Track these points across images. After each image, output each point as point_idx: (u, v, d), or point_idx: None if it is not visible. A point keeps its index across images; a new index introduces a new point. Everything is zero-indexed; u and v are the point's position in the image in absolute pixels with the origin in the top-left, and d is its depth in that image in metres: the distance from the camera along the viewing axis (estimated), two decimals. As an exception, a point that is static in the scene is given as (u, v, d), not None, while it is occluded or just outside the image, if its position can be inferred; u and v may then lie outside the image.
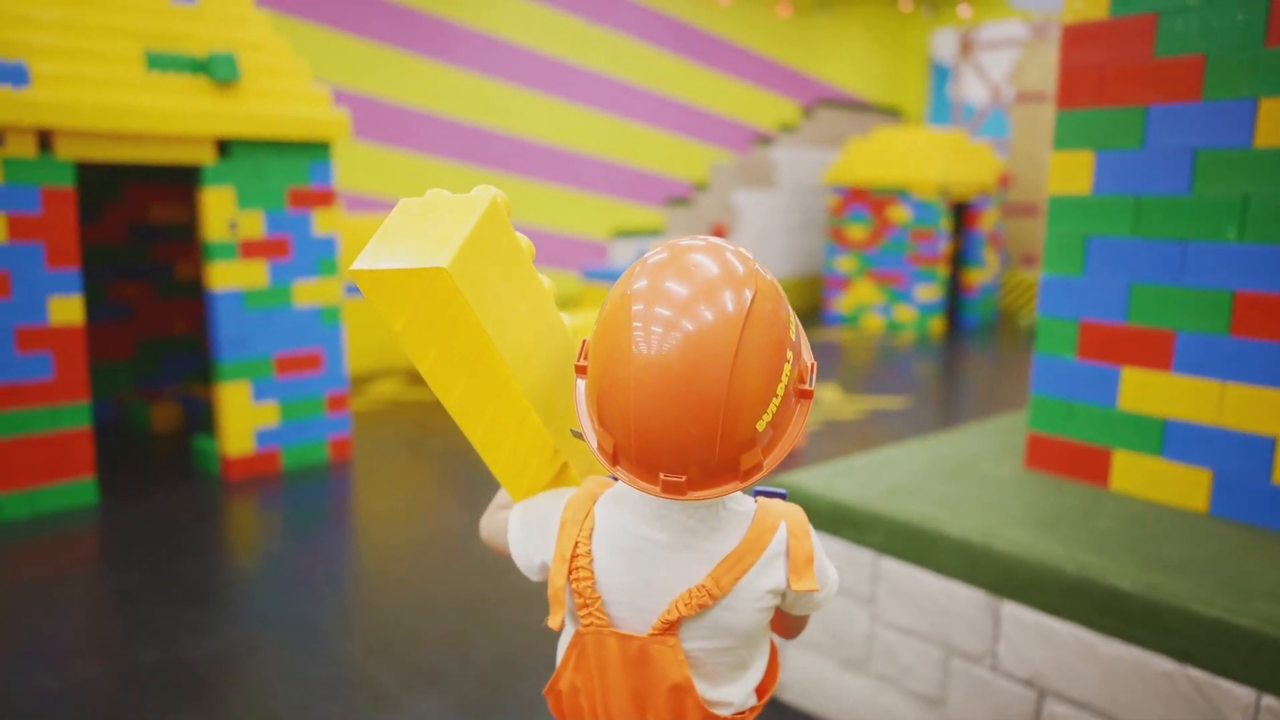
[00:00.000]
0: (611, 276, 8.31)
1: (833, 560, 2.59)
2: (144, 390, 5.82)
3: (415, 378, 7.17)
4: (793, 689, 2.71)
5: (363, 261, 1.02)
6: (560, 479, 1.33)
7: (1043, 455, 2.87)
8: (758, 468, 1.00)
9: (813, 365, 1.07)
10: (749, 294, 0.98)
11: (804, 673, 2.68)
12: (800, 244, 11.23)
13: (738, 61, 10.63)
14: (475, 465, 5.04)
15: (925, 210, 9.76)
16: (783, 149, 11.15)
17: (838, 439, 5.65)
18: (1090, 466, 2.76)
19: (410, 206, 1.08)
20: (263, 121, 4.45)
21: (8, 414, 3.92)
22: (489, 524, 1.33)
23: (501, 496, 1.35)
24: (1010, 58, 12.05)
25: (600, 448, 1.03)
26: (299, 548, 3.89)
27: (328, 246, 4.87)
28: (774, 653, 1.23)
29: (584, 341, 1.10)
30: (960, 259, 10.64)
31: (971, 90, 12.75)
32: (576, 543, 1.12)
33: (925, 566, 2.37)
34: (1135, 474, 2.66)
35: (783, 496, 1.18)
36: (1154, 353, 2.60)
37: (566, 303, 9.22)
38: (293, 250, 4.72)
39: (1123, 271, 2.64)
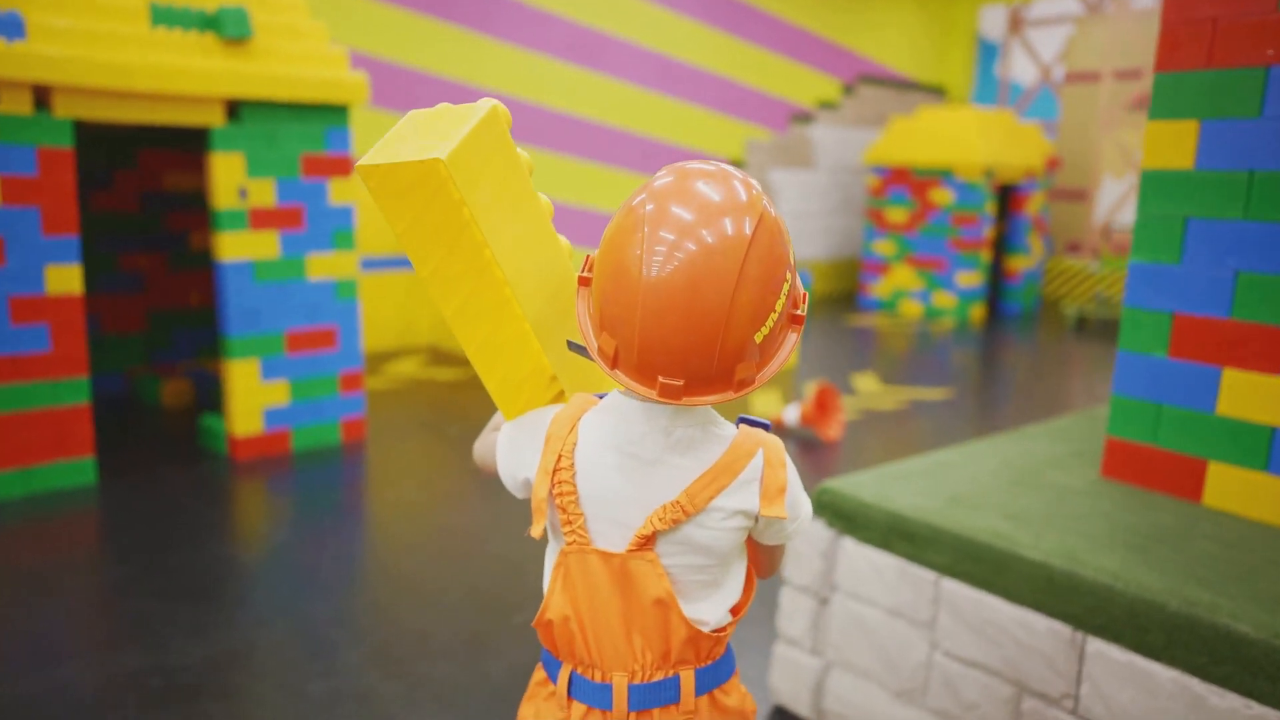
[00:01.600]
0: (641, 256, 8.02)
1: (884, 578, 2.30)
2: (155, 365, 5.62)
3: (436, 356, 6.94)
4: (837, 718, 2.43)
5: (366, 158, 1.07)
6: (558, 399, 1.33)
7: (1123, 464, 2.56)
8: (750, 381, 1.06)
9: (805, 295, 1.12)
10: (755, 218, 1.03)
11: (851, 701, 2.40)
12: (838, 226, 10.86)
13: (777, 35, 10.24)
14: (495, 451, 4.79)
15: (969, 193, 9.36)
16: (822, 127, 10.76)
17: (878, 432, 5.34)
18: (1180, 479, 2.44)
19: (417, 115, 1.11)
20: (275, 82, 4.18)
21: (2, 388, 3.70)
22: (481, 445, 1.36)
23: (496, 418, 1.37)
24: (1062, 35, 11.55)
25: (600, 351, 1.08)
26: (304, 538, 3.65)
27: (344, 217, 4.61)
28: (750, 576, 1.27)
29: (588, 256, 1.13)
30: (1003, 244, 10.22)
31: (1019, 69, 12.26)
32: (560, 455, 1.15)
33: (996, 592, 2.07)
34: (1234, 489, 2.34)
35: (766, 428, 1.19)
36: (1262, 352, 2.27)
37: (594, 282, 8.93)
38: (306, 221, 4.47)
39: (1229, 259, 2.31)
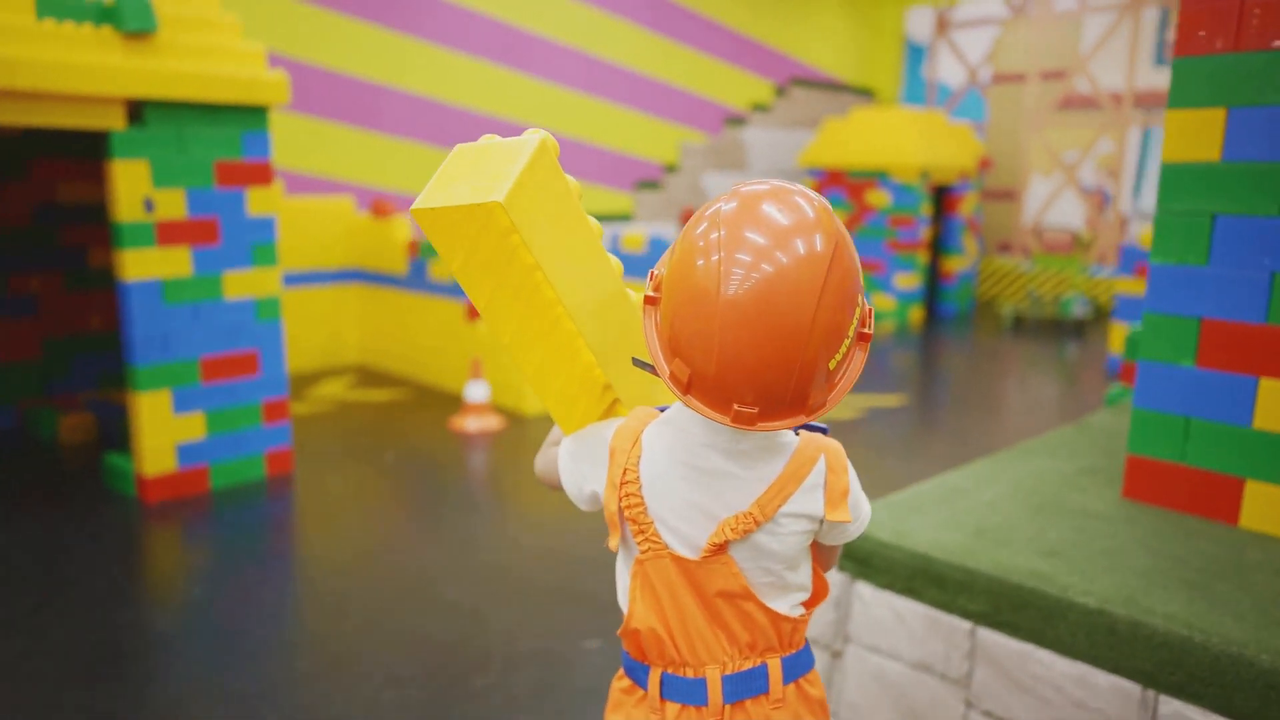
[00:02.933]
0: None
1: (909, 628, 2.04)
2: (52, 397, 5.08)
3: (366, 376, 6.50)
4: (854, 783, 2.16)
5: (422, 201, 1.08)
6: (609, 415, 1.35)
7: (1148, 484, 2.35)
8: (822, 404, 1.05)
9: (870, 310, 1.08)
10: (833, 237, 1.00)
11: (870, 765, 2.13)
12: (773, 230, 10.70)
13: (709, 36, 10.04)
14: (439, 479, 4.41)
15: (905, 194, 9.29)
16: (755, 129, 10.60)
17: (846, 443, 5.10)
18: (1214, 499, 2.24)
19: (465, 151, 1.11)
20: (183, 80, 3.75)
21: None
22: (543, 460, 1.35)
23: (555, 433, 1.36)
24: (988, 37, 11.64)
25: (673, 377, 1.06)
26: (227, 595, 3.24)
27: (264, 230, 4.19)
28: (818, 571, 1.26)
29: (652, 273, 1.11)
30: (939, 246, 10.20)
31: (947, 71, 12.33)
32: (625, 469, 1.16)
33: (1046, 644, 1.82)
34: (1276, 510, 2.14)
35: (824, 431, 1.20)
36: (1303, 360, 2.08)
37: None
38: (222, 235, 4.04)
39: (1264, 259, 2.12)
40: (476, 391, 5.30)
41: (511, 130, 8.33)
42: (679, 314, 1.03)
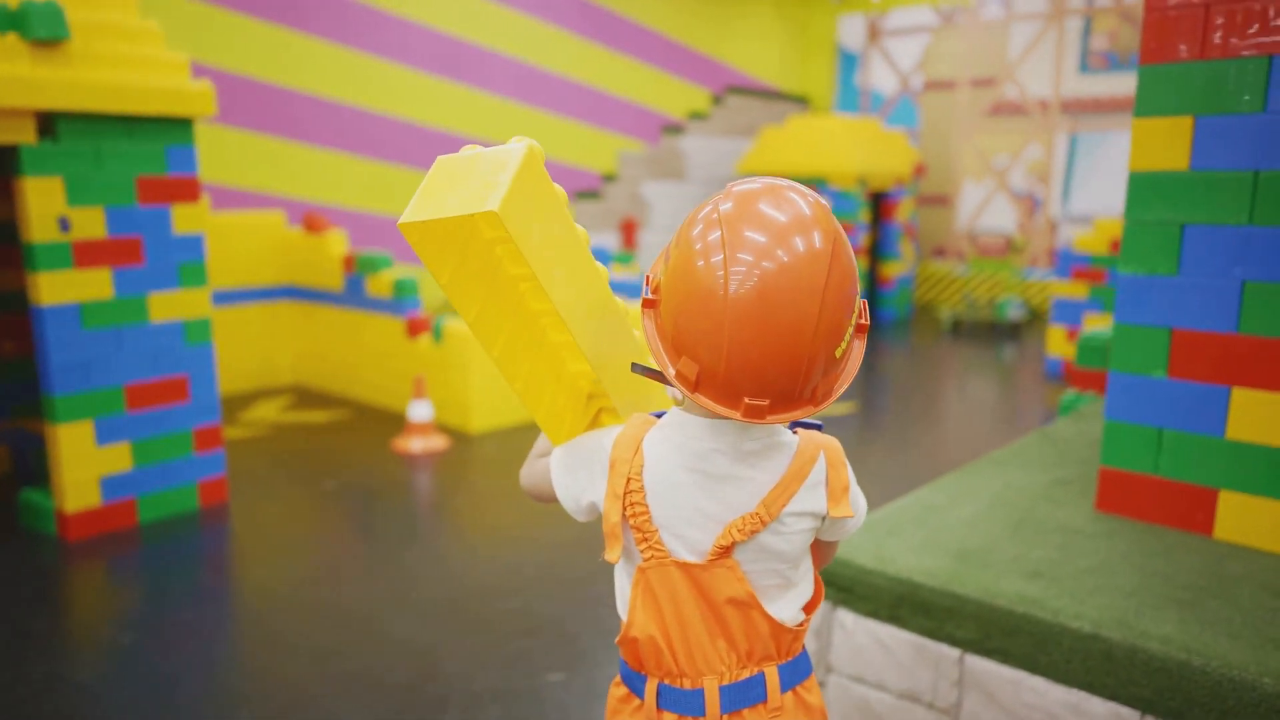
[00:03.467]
0: (522, 277, 7.55)
1: (895, 657, 1.96)
2: (-39, 427, 4.75)
3: (302, 396, 6.26)
4: (838, 820, 2.08)
5: (410, 214, 1.05)
6: (594, 425, 1.34)
7: (1121, 496, 2.32)
8: (828, 393, 1.06)
9: (864, 302, 1.09)
10: (831, 231, 1.02)
11: (855, 800, 2.05)
12: (713, 238, 10.67)
13: (645, 45, 9.98)
14: (383, 505, 4.23)
15: (844, 201, 9.34)
16: (693, 138, 10.57)
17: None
18: (1188, 511, 2.22)
19: (447, 163, 1.10)
20: (99, 92, 3.52)
21: None
22: (530, 472, 1.34)
23: (540, 444, 1.36)
24: (919, 45, 11.81)
25: (680, 375, 1.06)
26: (158, 640, 3.02)
27: (191, 249, 3.97)
28: (816, 575, 1.27)
29: (648, 277, 1.13)
30: (876, 251, 10.29)
31: (879, 78, 12.48)
32: (628, 479, 1.15)
33: (1039, 671, 1.76)
34: (1251, 520, 2.12)
35: (819, 428, 1.21)
36: (1275, 369, 2.07)
37: (470, 306, 8.38)
38: (146, 254, 3.81)
39: (1234, 268, 2.10)
40: (420, 411, 5.12)
41: (449, 142, 8.16)
42: (683, 313, 1.04)
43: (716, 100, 11.05)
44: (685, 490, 1.14)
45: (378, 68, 7.49)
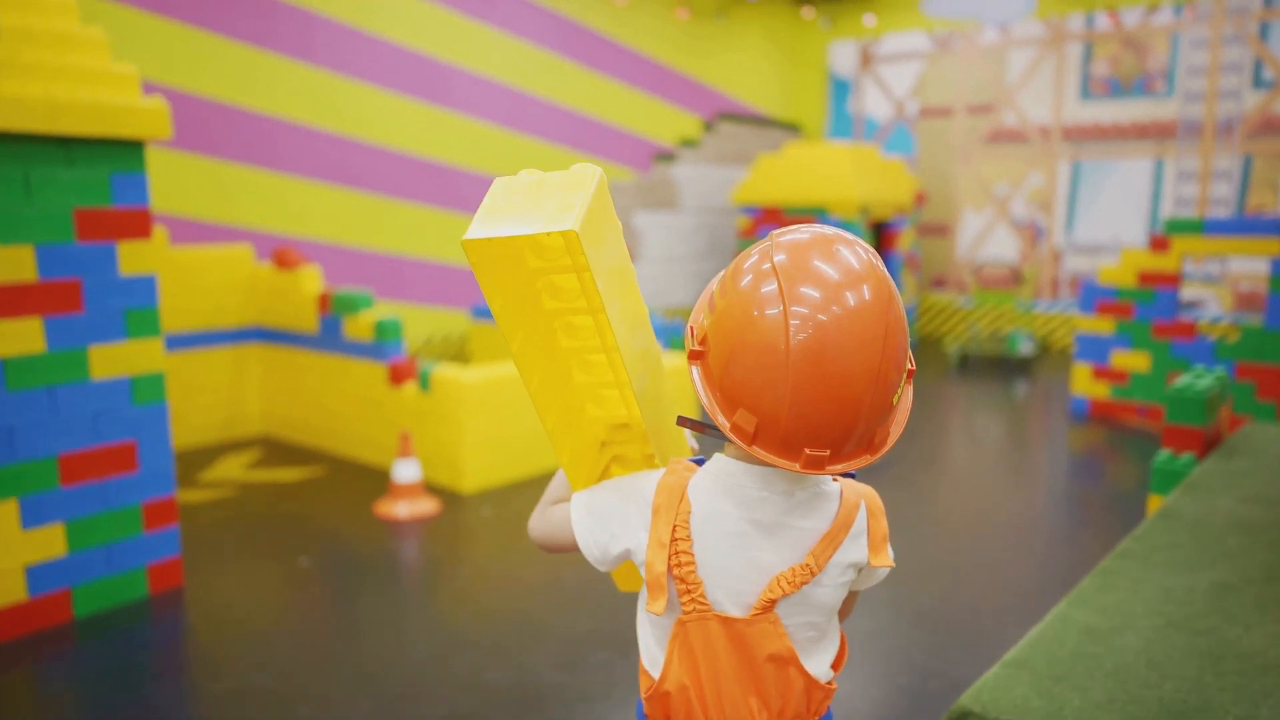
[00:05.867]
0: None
1: None
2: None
3: (272, 450, 5.65)
4: None
5: (475, 231, 1.03)
6: (604, 475, 1.30)
7: (1330, 614, 1.81)
8: (884, 440, 1.07)
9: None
10: (885, 281, 1.02)
11: None
12: (707, 270, 10.20)
13: (635, 70, 9.54)
14: (366, 583, 3.63)
15: (846, 230, 8.90)
16: (685, 166, 10.13)
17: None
18: None
19: (509, 184, 1.08)
20: (27, 108, 2.97)
21: None
22: (543, 520, 1.30)
23: (553, 491, 1.33)
24: (913, 72, 11.48)
25: (737, 429, 1.05)
26: (94, 779, 2.43)
27: (141, 292, 3.40)
28: (841, 630, 1.25)
29: (691, 328, 1.13)
30: (878, 283, 9.86)
31: (873, 104, 12.13)
32: (675, 527, 1.13)
33: None
34: None
35: (853, 476, 1.21)
36: None
37: (455, 343, 7.84)
38: (85, 300, 3.24)
39: None
40: (406, 471, 4.54)
41: (431, 170, 7.63)
42: (738, 366, 1.03)
43: (708, 127, 10.62)
44: (734, 539, 1.12)
45: (356, 90, 6.96)
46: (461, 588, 3.72)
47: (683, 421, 1.21)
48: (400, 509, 4.48)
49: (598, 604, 3.52)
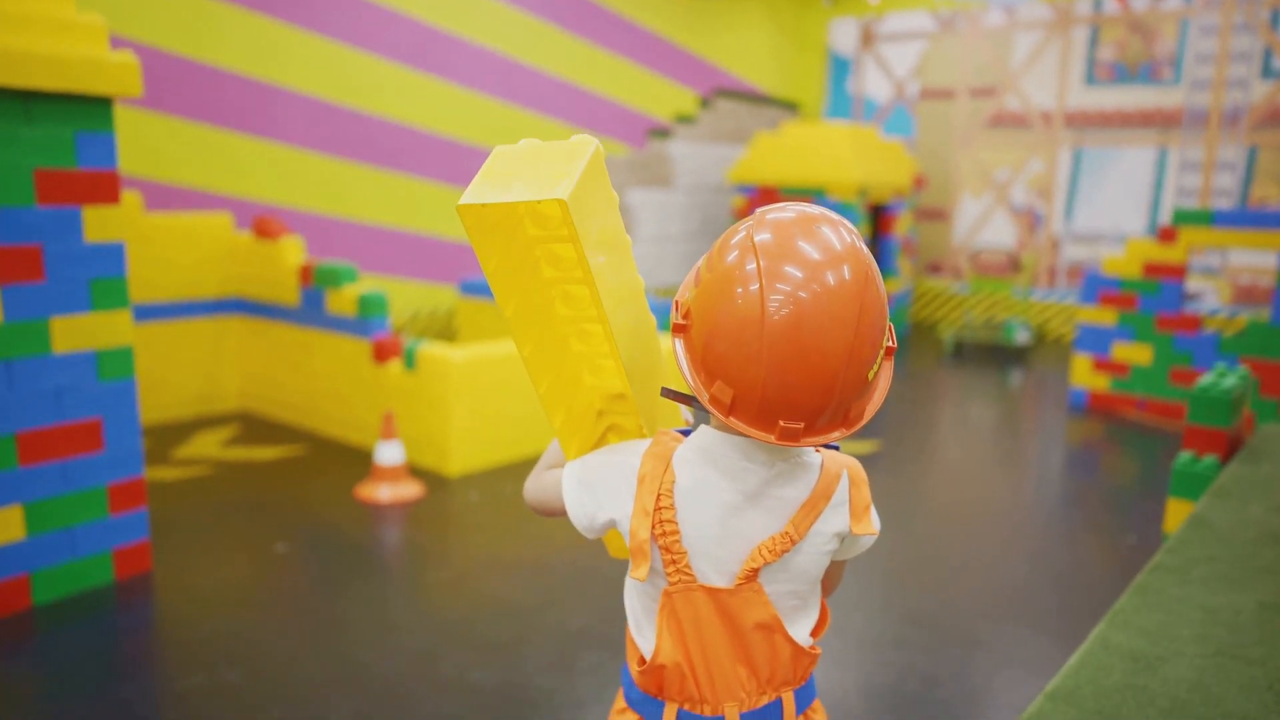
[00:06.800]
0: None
1: None
2: None
3: (250, 426, 5.45)
4: None
5: (470, 196, 1.05)
6: (600, 443, 1.32)
7: (1395, 644, 1.66)
8: (860, 415, 1.10)
9: (890, 325, 1.10)
10: (864, 260, 1.05)
11: None
12: (700, 250, 10.00)
13: (632, 42, 9.30)
14: (346, 571, 3.46)
15: (844, 214, 8.69)
16: (680, 143, 9.90)
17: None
18: None
19: (507, 152, 1.10)
20: (-15, 60, 2.75)
21: None
22: (538, 484, 1.34)
23: (549, 455, 1.37)
24: (915, 52, 11.27)
25: (715, 400, 1.09)
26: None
27: (108, 260, 3.19)
28: (822, 600, 1.28)
29: (677, 302, 1.14)
30: (874, 267, 9.70)
31: (873, 85, 11.93)
32: (659, 495, 1.15)
33: None
34: None
35: (835, 447, 1.23)
36: None
37: (441, 319, 7.64)
38: (47, 268, 3.03)
39: None
40: (389, 453, 4.36)
41: (418, 139, 7.38)
42: (718, 339, 1.06)
43: (704, 103, 10.40)
44: (716, 509, 1.15)
45: (342, 55, 6.71)
46: (447, 578, 3.55)
47: (666, 393, 1.24)
48: (383, 492, 4.30)
49: (589, 599, 3.36)
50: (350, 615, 3.19)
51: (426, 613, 3.25)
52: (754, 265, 1.03)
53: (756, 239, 1.05)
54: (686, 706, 1.20)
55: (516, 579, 3.53)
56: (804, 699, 1.24)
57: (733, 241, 1.07)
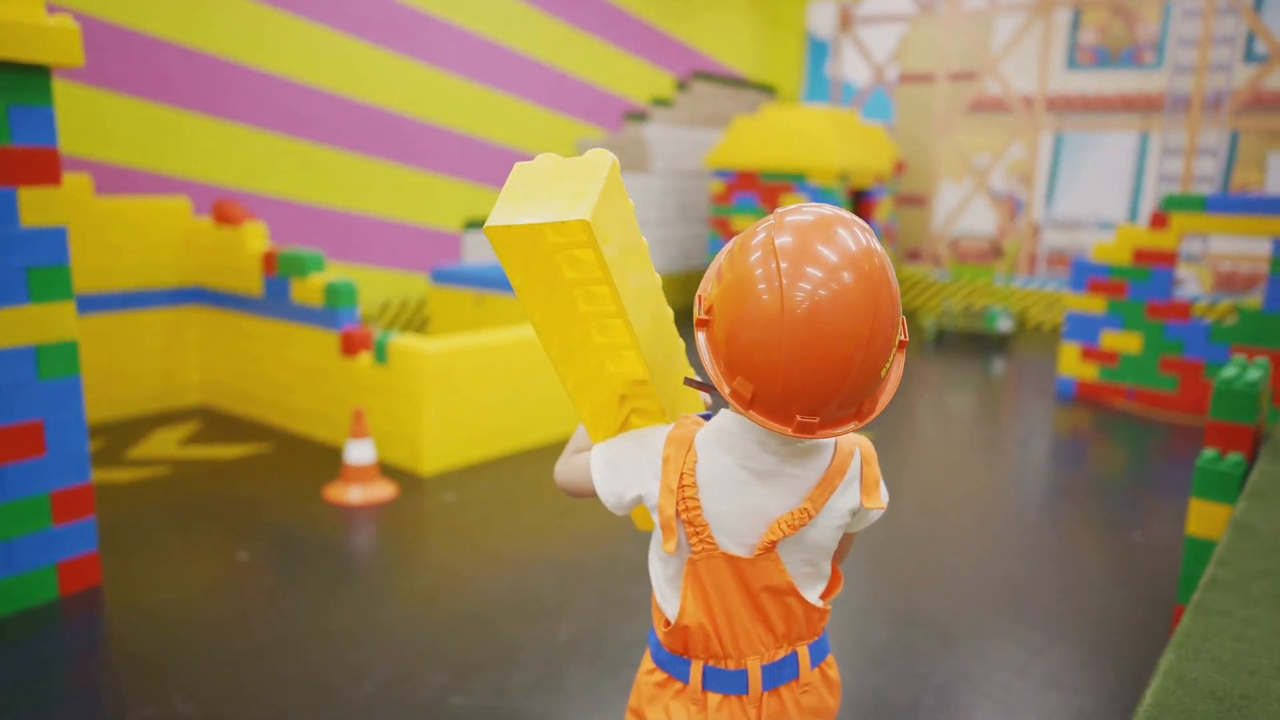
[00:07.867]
0: (465, 278, 6.54)
1: None
2: None
3: (209, 423, 5.15)
4: None
5: (496, 219, 1.11)
6: (625, 427, 1.40)
7: None
8: (873, 409, 1.15)
9: (903, 319, 1.15)
10: (881, 261, 1.09)
11: None
12: (677, 236, 9.77)
13: (609, 23, 9.02)
14: (316, 580, 3.20)
15: (824, 199, 8.53)
16: (657, 126, 9.66)
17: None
18: None
19: (527, 170, 1.15)
20: (-98, 22, 2.45)
21: None
22: (567, 467, 1.42)
23: (577, 440, 1.45)
24: (894, 35, 11.09)
25: (735, 394, 1.14)
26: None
27: (48, 247, 2.90)
28: (835, 565, 1.37)
29: (700, 297, 1.20)
30: (855, 254, 9.53)
31: (852, 69, 11.74)
32: (682, 474, 1.24)
33: None
34: None
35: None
36: None
37: (412, 309, 7.36)
38: (-22, 255, 2.74)
39: None
40: (359, 451, 4.10)
41: (387, 120, 7.05)
42: (740, 337, 1.11)
43: (681, 86, 10.15)
44: (736, 487, 1.23)
45: (309, 32, 6.38)
46: (423, 588, 3.32)
47: (689, 383, 1.35)
48: (353, 494, 4.04)
49: (576, 604, 3.14)
50: (318, 632, 2.94)
51: (401, 628, 3.01)
52: (775, 265, 1.07)
53: (777, 242, 1.09)
54: (711, 662, 1.29)
55: (497, 585, 3.30)
56: (818, 653, 1.33)
57: (753, 243, 1.12)
